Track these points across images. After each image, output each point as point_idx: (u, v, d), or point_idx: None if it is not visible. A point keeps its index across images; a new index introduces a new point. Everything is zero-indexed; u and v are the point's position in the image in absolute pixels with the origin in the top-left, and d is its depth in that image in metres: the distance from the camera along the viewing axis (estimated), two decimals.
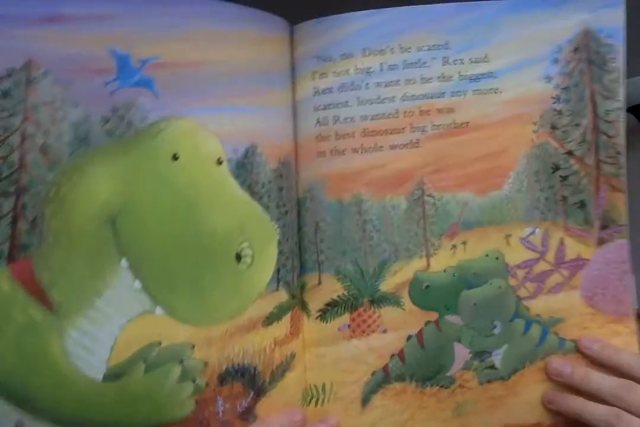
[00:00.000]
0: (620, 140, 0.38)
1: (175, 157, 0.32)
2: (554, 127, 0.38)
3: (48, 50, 0.29)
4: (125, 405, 0.33)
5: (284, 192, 0.37)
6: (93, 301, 0.31)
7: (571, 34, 0.37)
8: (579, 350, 0.39)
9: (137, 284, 0.32)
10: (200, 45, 0.33)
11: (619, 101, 0.38)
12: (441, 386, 0.38)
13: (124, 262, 0.32)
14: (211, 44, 0.33)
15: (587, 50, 0.38)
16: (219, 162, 0.33)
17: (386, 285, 0.37)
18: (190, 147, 0.32)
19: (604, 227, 0.39)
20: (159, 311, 0.33)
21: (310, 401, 0.38)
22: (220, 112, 0.34)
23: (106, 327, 0.32)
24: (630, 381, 0.35)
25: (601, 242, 0.39)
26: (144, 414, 0.33)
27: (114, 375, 0.32)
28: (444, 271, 0.37)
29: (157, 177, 0.32)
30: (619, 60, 0.38)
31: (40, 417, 0.32)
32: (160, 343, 0.33)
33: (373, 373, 0.38)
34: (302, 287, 0.39)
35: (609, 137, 0.38)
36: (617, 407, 0.35)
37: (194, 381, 0.34)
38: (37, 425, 0.31)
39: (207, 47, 0.33)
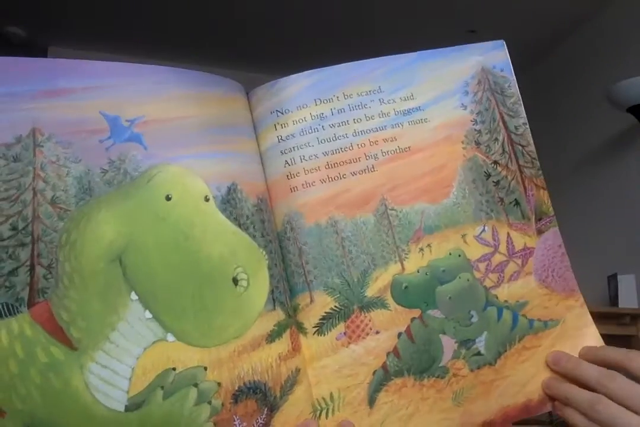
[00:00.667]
0: (532, 148, 0.43)
1: (168, 198, 0.33)
2: (478, 143, 0.42)
3: (50, 117, 0.31)
4: None
5: (266, 223, 0.38)
6: (108, 334, 0.31)
7: (473, 71, 0.43)
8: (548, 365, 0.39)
9: (148, 314, 0.32)
10: (175, 104, 0.35)
11: (523, 118, 0.43)
12: (437, 377, 0.38)
13: (133, 295, 0.31)
14: (184, 103, 0.35)
15: (487, 82, 0.43)
16: (206, 199, 0.35)
17: (371, 291, 0.38)
18: (180, 188, 0.34)
19: (538, 219, 0.42)
20: (170, 337, 0.32)
21: (321, 413, 0.37)
22: (201, 158, 0.35)
23: (123, 358, 0.31)
24: (614, 371, 0.36)
25: (539, 232, 0.42)
26: None
27: (135, 404, 0.31)
28: (417, 272, 0.38)
29: (155, 216, 0.33)
30: (513, 86, 0.43)
31: None
32: (174, 369, 0.32)
33: (374, 373, 0.37)
34: (295, 308, 0.39)
35: (523, 146, 0.43)
36: (600, 393, 0.35)
37: (209, 403, 0.33)
38: None
39: (181, 106, 0.35)
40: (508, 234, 0.41)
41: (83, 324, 0.30)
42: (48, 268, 0.30)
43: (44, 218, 0.30)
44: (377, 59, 0.42)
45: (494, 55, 0.43)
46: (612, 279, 1.94)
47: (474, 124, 0.42)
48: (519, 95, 0.43)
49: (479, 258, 0.40)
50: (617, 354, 0.37)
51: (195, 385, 0.32)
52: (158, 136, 0.34)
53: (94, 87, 0.32)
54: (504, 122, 0.42)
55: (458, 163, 0.40)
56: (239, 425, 0.34)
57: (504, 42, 0.44)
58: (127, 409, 0.31)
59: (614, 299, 1.92)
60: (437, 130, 0.41)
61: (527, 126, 0.43)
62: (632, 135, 1.99)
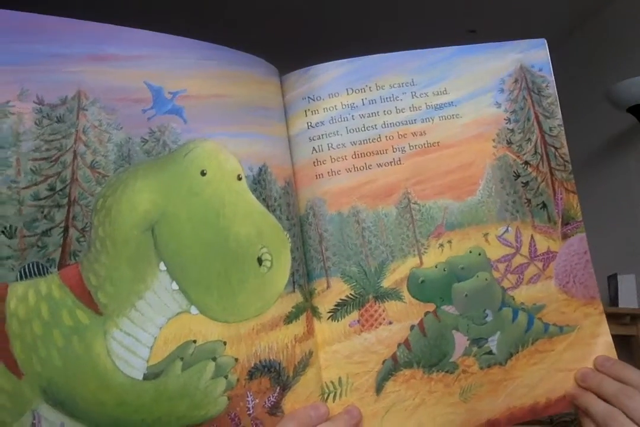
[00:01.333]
0: (566, 150, 0.43)
1: (203, 173, 0.34)
2: (509, 143, 0.42)
3: (95, 82, 0.31)
4: (164, 404, 0.32)
5: (291, 207, 0.39)
6: (135, 302, 0.31)
7: (510, 69, 0.43)
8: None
9: (174, 285, 0.32)
10: (215, 81, 0.36)
11: (559, 119, 0.43)
12: (446, 371, 0.39)
13: (162, 266, 0.32)
14: (224, 81, 0.36)
15: (525, 81, 0.43)
16: (239, 178, 0.35)
17: (387, 282, 0.39)
18: (215, 164, 0.34)
19: (565, 224, 0.42)
20: (194, 310, 0.33)
21: (328, 396, 0.38)
22: (236, 137, 0.36)
23: (147, 327, 0.32)
24: (634, 389, 0.37)
25: (565, 236, 0.42)
26: (181, 413, 0.32)
27: (154, 374, 0.32)
28: (435, 267, 0.39)
29: (189, 190, 0.33)
30: (551, 87, 0.43)
31: (82, 422, 0.30)
32: (195, 341, 0.33)
33: (384, 362, 0.38)
34: (311, 293, 0.39)
35: (556, 148, 0.43)
36: (618, 409, 0.36)
37: (226, 378, 0.33)
38: None
39: (221, 84, 0.36)
40: (532, 236, 0.41)
41: (111, 290, 0.31)
42: (82, 231, 0.30)
43: (82, 181, 0.30)
44: (413, 51, 0.42)
45: (533, 54, 0.43)
46: (612, 279, 1.95)
47: (507, 123, 0.42)
48: (557, 95, 0.43)
49: (499, 258, 0.40)
50: (637, 376, 0.38)
51: (214, 359, 0.33)
52: (197, 111, 0.34)
53: (140, 56, 0.33)
54: (539, 123, 0.43)
55: (487, 161, 0.41)
56: (252, 401, 0.34)
57: (546, 41, 0.44)
58: (145, 377, 0.31)
59: (614, 299, 1.93)
60: (468, 126, 0.41)
61: (562, 128, 0.43)
62: (632, 135, 2.02)
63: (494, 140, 0.42)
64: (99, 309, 0.30)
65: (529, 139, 0.42)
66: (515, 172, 0.42)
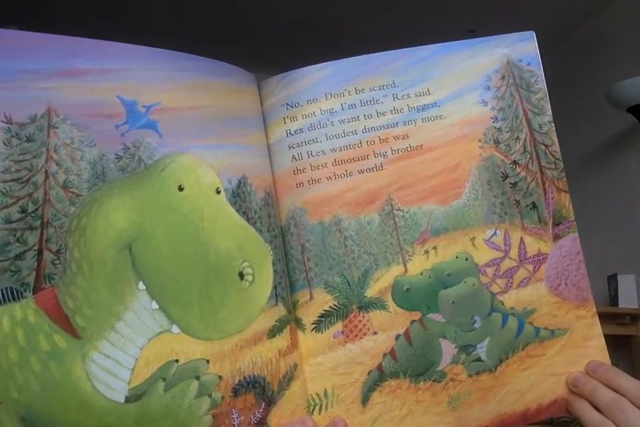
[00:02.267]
0: (557, 148, 0.42)
1: (180, 188, 0.33)
2: (497, 142, 0.41)
3: (65, 98, 0.30)
4: (147, 426, 0.32)
5: (272, 218, 0.39)
6: (114, 324, 0.31)
7: (496, 65, 0.42)
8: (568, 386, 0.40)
9: (154, 304, 0.32)
10: (190, 92, 0.35)
11: (549, 115, 0.42)
12: (434, 380, 0.39)
13: (141, 285, 0.32)
14: (199, 91, 0.36)
15: (512, 76, 0.42)
16: (218, 191, 0.35)
17: (371, 291, 0.39)
18: (193, 179, 0.34)
19: (556, 224, 0.42)
20: (175, 329, 0.33)
21: (314, 409, 0.38)
22: (214, 149, 0.36)
23: (127, 348, 0.31)
24: (625, 400, 0.37)
25: (556, 237, 0.42)
26: None
27: (136, 396, 0.32)
28: (421, 274, 0.39)
29: (166, 206, 0.33)
30: (540, 82, 0.42)
31: None
32: (177, 360, 0.33)
33: (369, 372, 0.39)
34: (294, 304, 0.40)
35: (546, 146, 0.42)
36: (609, 420, 0.37)
37: (210, 396, 0.34)
38: None
39: (196, 95, 0.36)
40: (521, 238, 0.41)
41: (89, 313, 0.30)
42: (56, 253, 0.30)
43: (55, 202, 0.30)
44: (394, 51, 0.41)
45: (521, 48, 0.42)
46: (612, 279, 1.97)
47: (494, 122, 0.41)
48: (546, 91, 0.42)
49: (487, 262, 0.40)
50: (631, 385, 0.38)
51: (197, 378, 0.33)
52: (173, 124, 0.34)
53: (112, 69, 0.32)
54: (528, 120, 0.42)
55: (473, 163, 0.41)
56: (237, 419, 0.34)
57: (534, 34, 0.42)
58: (127, 400, 0.31)
59: (614, 299, 1.94)
60: (453, 127, 0.41)
61: (553, 124, 0.42)
62: (632, 135, 2.04)
63: (480, 140, 0.41)
64: (77, 332, 0.30)
65: (518, 138, 0.42)
66: (503, 173, 0.41)
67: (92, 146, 0.31)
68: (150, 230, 0.32)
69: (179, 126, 0.34)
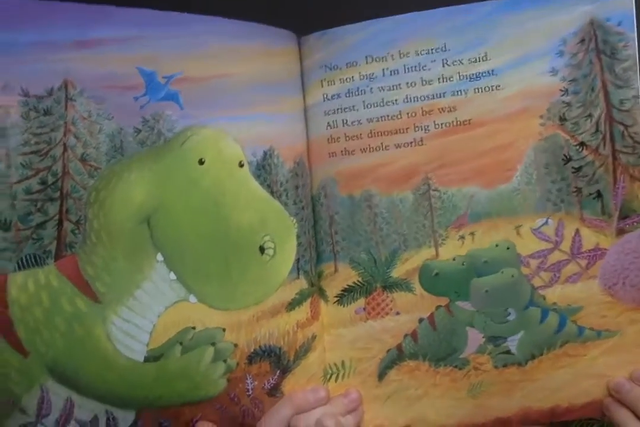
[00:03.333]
0: (638, 129, 0.36)
1: (201, 162, 0.33)
2: (563, 119, 0.36)
3: (82, 70, 0.30)
4: (164, 383, 0.34)
5: (300, 189, 0.37)
6: (133, 291, 0.32)
7: (575, 26, 0.35)
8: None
9: (172, 275, 0.33)
10: (217, 60, 0.33)
11: (635, 89, 0.35)
12: (455, 367, 0.38)
13: (159, 257, 0.32)
14: (226, 58, 0.34)
15: (594, 40, 0.35)
16: (241, 164, 0.34)
17: (397, 272, 0.38)
18: (214, 152, 0.33)
19: (623, 217, 0.36)
20: (192, 299, 0.33)
21: (331, 377, 0.39)
22: (239, 120, 0.34)
23: (145, 314, 0.33)
24: None
25: (620, 232, 0.37)
26: (181, 392, 0.34)
27: (154, 357, 0.33)
28: (453, 260, 0.37)
29: (186, 180, 0.32)
30: (631, 47, 0.35)
31: (88, 395, 0.33)
32: (194, 328, 0.34)
33: (388, 351, 0.38)
34: (319, 275, 0.39)
35: (626, 126, 0.36)
36: None
37: (225, 362, 0.35)
38: (85, 402, 0.33)
39: (223, 62, 0.34)
40: (577, 230, 0.37)
41: (108, 280, 0.32)
42: (76, 224, 0.31)
43: (74, 174, 0.30)
44: (446, 8, 0.36)
45: (613, 2, 0.35)
46: None
47: (563, 95, 0.36)
48: (637, 59, 0.35)
49: (532, 254, 0.37)
50: None
51: (213, 344, 0.34)
52: (195, 95, 0.32)
53: (129, 38, 0.31)
54: (606, 94, 0.36)
55: (530, 142, 0.36)
56: (251, 383, 0.36)
57: None
58: (146, 360, 0.33)
59: None
60: (511, 100, 0.36)
61: (639, 100, 0.35)
62: None
63: (542, 116, 0.36)
64: (98, 297, 0.32)
65: (590, 115, 0.36)
66: (565, 155, 0.36)
67: (110, 119, 0.30)
68: (170, 204, 0.32)
69: (201, 97, 0.32)
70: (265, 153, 0.35)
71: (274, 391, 0.37)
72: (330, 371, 0.39)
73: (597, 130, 0.36)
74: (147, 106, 0.31)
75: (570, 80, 0.36)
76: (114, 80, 0.30)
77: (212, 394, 0.35)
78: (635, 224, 0.37)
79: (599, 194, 0.36)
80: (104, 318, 0.32)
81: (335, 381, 0.39)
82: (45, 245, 0.30)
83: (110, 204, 0.31)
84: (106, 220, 0.31)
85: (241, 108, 0.34)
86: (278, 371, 0.37)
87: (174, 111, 0.32)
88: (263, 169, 0.35)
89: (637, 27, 0.36)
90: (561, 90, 0.36)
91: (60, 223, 0.30)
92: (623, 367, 0.38)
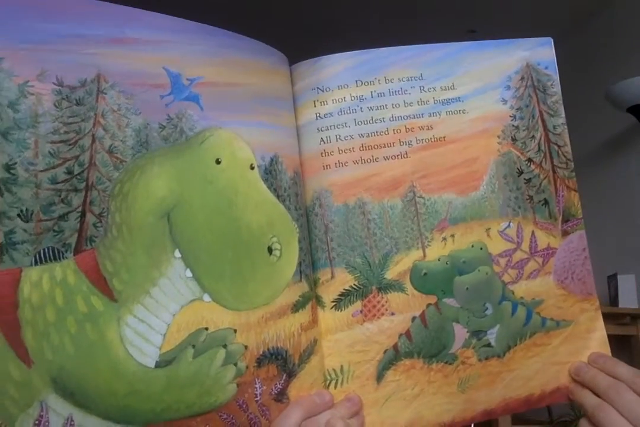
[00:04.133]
0: (568, 149, 0.44)
1: (218, 162, 0.34)
2: (514, 139, 0.43)
3: (115, 66, 0.31)
4: (174, 392, 0.32)
5: (299, 198, 0.39)
6: (149, 289, 0.31)
7: (517, 66, 0.44)
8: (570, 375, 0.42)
9: (188, 272, 0.32)
10: (230, 69, 0.36)
11: (562, 117, 0.44)
12: (446, 362, 0.40)
13: (177, 253, 0.32)
14: (238, 69, 0.36)
15: (531, 78, 0.44)
16: (252, 167, 0.35)
17: (390, 274, 0.40)
18: (230, 153, 0.34)
19: (565, 220, 0.43)
20: (206, 298, 0.33)
21: (330, 383, 0.39)
22: (249, 126, 0.36)
23: (161, 314, 0.32)
24: (622, 384, 0.38)
25: (565, 233, 0.43)
26: (191, 401, 0.33)
27: (165, 362, 0.32)
28: (438, 260, 0.40)
29: (204, 178, 0.33)
30: (556, 85, 0.44)
31: (91, 412, 0.30)
32: (207, 328, 0.33)
33: (385, 351, 0.39)
34: (315, 282, 0.40)
35: (559, 146, 0.44)
36: (607, 402, 0.38)
37: (235, 365, 0.34)
38: (86, 421, 0.30)
39: (235, 72, 0.36)
40: (533, 232, 0.42)
41: (126, 276, 0.31)
42: (99, 216, 0.30)
43: (100, 166, 0.30)
44: (422, 45, 0.42)
45: (540, 52, 0.44)
46: (612, 279, 1.98)
47: (512, 120, 0.43)
48: (561, 94, 0.44)
49: (500, 253, 0.41)
50: (628, 372, 0.39)
51: (224, 346, 0.33)
52: (213, 99, 0.34)
53: (160, 40, 0.32)
54: (543, 121, 0.44)
55: (491, 157, 0.42)
56: (259, 388, 0.35)
57: (552, 40, 0.44)
58: (157, 365, 0.32)
59: (614, 299, 1.95)
60: (475, 122, 0.42)
61: (566, 126, 0.44)
62: (632, 135, 2.05)
63: (499, 136, 0.42)
64: (114, 295, 0.30)
65: (533, 137, 0.43)
66: (518, 169, 0.43)
67: (138, 114, 0.31)
68: (188, 200, 0.32)
69: (218, 101, 0.34)
70: (272, 159, 0.37)
71: (281, 396, 0.36)
72: (329, 377, 0.39)
73: (539, 149, 0.44)
74: (172, 105, 0.32)
75: (516, 109, 0.44)
76: (143, 78, 0.31)
77: (222, 400, 0.33)
78: (574, 226, 0.44)
79: (545, 201, 0.43)
80: (119, 318, 0.30)
81: (335, 387, 0.39)
82: (65, 238, 0.29)
83: (133, 197, 0.31)
84: (128, 213, 0.31)
85: (249, 115, 0.36)
86: (284, 375, 0.36)
87: (195, 111, 0.33)
88: (270, 174, 0.37)
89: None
90: (510, 116, 0.43)
91: (83, 215, 0.29)
92: (580, 353, 0.43)
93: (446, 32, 2.13)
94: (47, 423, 0.29)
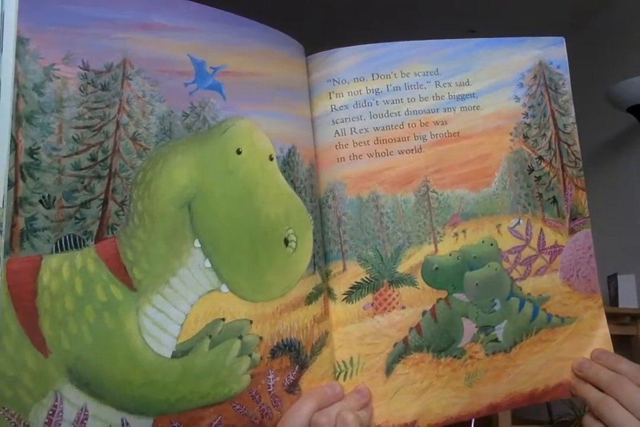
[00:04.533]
0: (577, 148, 0.45)
1: (239, 152, 0.33)
2: (526, 137, 0.43)
3: (141, 51, 0.30)
4: (189, 382, 0.32)
5: (314, 190, 0.39)
6: (169, 279, 0.31)
7: (530, 64, 0.44)
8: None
9: (207, 263, 0.32)
10: (253, 59, 0.35)
11: (572, 117, 0.45)
12: (454, 357, 0.40)
13: (197, 243, 0.32)
14: (260, 58, 0.36)
15: (543, 77, 0.44)
16: (271, 158, 0.35)
17: (402, 267, 0.40)
18: (250, 143, 0.34)
19: (573, 219, 0.44)
20: (224, 288, 0.33)
21: (339, 375, 0.39)
22: (269, 116, 0.36)
23: (179, 304, 0.32)
24: (624, 378, 0.39)
25: (572, 231, 0.44)
26: (205, 391, 0.33)
27: (182, 352, 0.32)
28: (449, 255, 0.41)
29: (225, 168, 0.33)
30: (567, 85, 0.45)
31: (105, 402, 0.30)
32: (224, 319, 0.33)
33: (395, 345, 0.40)
34: (327, 275, 0.40)
35: (569, 145, 0.45)
36: (610, 396, 0.39)
37: (250, 356, 0.34)
38: (100, 411, 0.30)
39: (258, 61, 0.36)
40: (541, 229, 0.43)
41: (146, 266, 0.30)
42: (121, 204, 0.30)
43: (124, 153, 0.30)
44: (438, 40, 0.43)
45: (552, 51, 0.44)
46: (612, 279, 1.99)
47: (524, 117, 0.43)
48: (571, 93, 0.45)
49: (509, 249, 0.42)
50: (630, 367, 0.40)
51: (240, 337, 0.33)
52: (235, 88, 0.34)
53: (186, 28, 0.32)
54: (554, 119, 0.44)
55: (503, 154, 0.42)
56: (273, 379, 0.35)
57: (564, 39, 0.45)
58: (174, 355, 0.31)
59: (614, 299, 1.96)
60: (488, 118, 0.42)
61: (576, 126, 0.45)
62: (632, 135, 2.05)
63: (511, 133, 0.43)
64: (134, 285, 0.30)
65: (544, 135, 0.44)
66: (529, 166, 0.43)
67: (162, 102, 0.31)
68: (209, 190, 0.32)
69: (240, 90, 0.34)
70: (289, 150, 0.37)
71: (293, 388, 0.36)
72: (339, 369, 0.39)
73: (550, 147, 0.44)
74: (196, 93, 0.32)
75: (529, 107, 0.44)
76: (168, 65, 0.31)
77: (236, 391, 0.33)
78: (581, 224, 0.45)
79: (554, 199, 0.44)
80: (138, 308, 0.30)
81: (344, 379, 0.39)
82: (87, 225, 0.29)
83: (155, 185, 0.30)
84: (150, 201, 0.30)
85: (269, 105, 0.36)
86: (297, 366, 0.36)
87: (217, 101, 0.33)
88: (288, 165, 0.36)
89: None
90: (523, 113, 0.44)
91: (105, 203, 0.29)
92: (584, 350, 0.43)
93: (446, 32, 2.11)
94: (61, 413, 0.29)
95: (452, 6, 2.19)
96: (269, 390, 0.35)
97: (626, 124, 2.05)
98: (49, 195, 0.28)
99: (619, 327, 1.72)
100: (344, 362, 0.39)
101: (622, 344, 1.74)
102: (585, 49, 2.36)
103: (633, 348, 1.77)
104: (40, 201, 0.28)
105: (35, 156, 0.27)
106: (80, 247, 0.29)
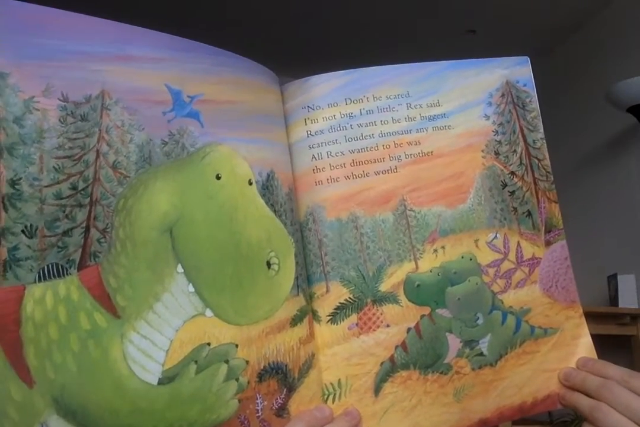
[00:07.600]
0: (548, 162, 0.47)
1: (218, 177, 0.35)
2: (497, 153, 0.45)
3: (118, 82, 0.31)
4: (176, 409, 0.32)
5: (294, 213, 0.40)
6: (153, 304, 0.32)
7: (497, 84, 0.46)
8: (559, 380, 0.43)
9: (191, 287, 0.33)
10: (228, 87, 0.37)
11: (541, 133, 0.47)
12: (441, 372, 0.41)
13: (179, 268, 0.32)
14: (235, 87, 0.37)
15: (510, 95, 0.46)
16: (250, 182, 0.36)
17: (385, 286, 0.41)
18: (229, 169, 0.35)
19: (548, 231, 0.46)
20: (208, 313, 0.33)
21: (328, 397, 0.39)
22: (247, 142, 0.37)
23: (164, 330, 0.32)
24: (613, 382, 0.40)
25: (548, 243, 0.45)
26: (193, 418, 0.33)
27: (168, 378, 0.32)
28: (430, 271, 0.42)
29: (205, 193, 0.34)
30: (534, 102, 0.47)
31: None
32: (209, 344, 0.33)
33: (382, 364, 0.40)
34: (311, 297, 0.41)
35: (539, 160, 0.47)
36: (602, 401, 0.40)
37: (237, 380, 0.34)
38: None
39: (233, 90, 0.37)
40: (518, 242, 0.44)
41: (129, 292, 0.31)
42: (103, 232, 0.30)
43: (104, 181, 0.30)
44: (408, 64, 0.45)
45: (518, 70, 0.47)
46: (612, 279, 1.99)
47: (495, 135, 0.45)
48: (539, 111, 0.47)
49: (489, 263, 0.43)
50: (617, 371, 0.41)
51: (226, 361, 0.34)
52: (213, 116, 0.35)
53: (161, 58, 0.33)
54: (523, 135, 0.46)
55: (477, 171, 0.44)
56: (261, 403, 0.35)
57: (529, 59, 0.47)
58: (160, 382, 0.32)
59: (614, 299, 1.96)
60: (460, 137, 0.44)
61: (544, 141, 0.47)
62: (632, 135, 2.08)
63: (482, 151, 0.45)
64: (117, 312, 0.30)
65: (515, 151, 0.46)
66: (502, 182, 0.45)
67: (141, 130, 0.32)
68: (190, 215, 0.33)
69: (217, 118, 0.35)
70: (268, 175, 0.38)
71: (282, 411, 0.36)
72: (327, 392, 0.39)
73: (521, 162, 0.46)
74: (174, 121, 0.33)
75: (498, 124, 0.46)
76: (146, 95, 0.32)
77: (224, 417, 0.33)
78: (556, 236, 0.46)
79: (529, 213, 0.46)
80: (122, 335, 0.30)
81: (333, 402, 0.39)
82: (69, 254, 0.29)
83: (136, 212, 0.31)
84: (132, 228, 0.31)
85: (246, 131, 0.37)
86: (285, 390, 0.37)
87: (196, 128, 0.34)
88: (267, 189, 0.38)
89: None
90: (493, 131, 0.46)
91: (87, 230, 0.30)
92: (568, 359, 0.45)
93: (446, 32, 2.14)
94: None
95: (452, 6, 2.19)
96: (257, 415, 0.35)
97: (626, 124, 2.07)
98: (31, 225, 0.28)
99: (619, 327, 1.72)
100: (332, 384, 0.39)
101: (622, 344, 1.74)
102: (585, 49, 2.40)
103: (633, 348, 1.76)
104: (23, 231, 0.28)
105: (17, 187, 0.28)
106: (63, 275, 0.29)
